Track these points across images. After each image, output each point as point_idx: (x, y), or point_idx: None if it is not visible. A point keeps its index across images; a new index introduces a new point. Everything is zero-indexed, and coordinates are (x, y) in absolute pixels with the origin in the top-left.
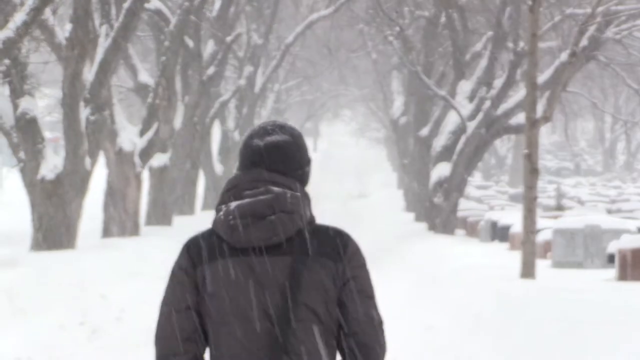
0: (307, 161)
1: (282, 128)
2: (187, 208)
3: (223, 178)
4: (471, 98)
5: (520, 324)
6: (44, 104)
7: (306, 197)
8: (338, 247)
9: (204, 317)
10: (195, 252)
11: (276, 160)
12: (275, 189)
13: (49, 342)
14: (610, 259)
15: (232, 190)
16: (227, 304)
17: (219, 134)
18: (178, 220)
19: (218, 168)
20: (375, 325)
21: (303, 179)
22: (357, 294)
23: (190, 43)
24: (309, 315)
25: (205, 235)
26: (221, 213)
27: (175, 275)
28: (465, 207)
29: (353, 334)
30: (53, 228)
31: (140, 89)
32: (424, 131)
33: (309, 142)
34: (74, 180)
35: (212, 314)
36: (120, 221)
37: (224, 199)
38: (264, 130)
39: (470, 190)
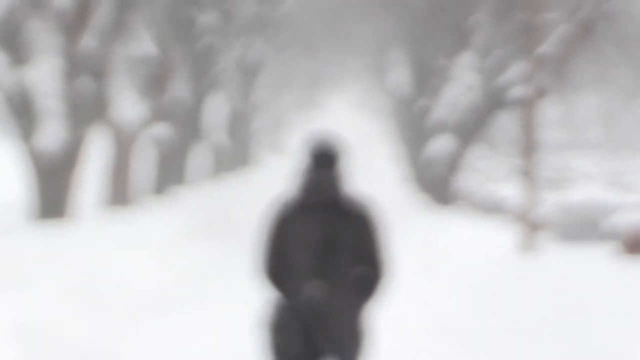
0: (343, 156)
1: (331, 140)
2: (184, 178)
3: (227, 149)
4: (472, 68)
5: (519, 296)
6: (42, 72)
7: (343, 177)
8: (362, 209)
9: (286, 248)
10: (283, 206)
11: (328, 157)
12: (330, 171)
13: (50, 309)
14: (611, 232)
15: (309, 171)
16: (297, 240)
17: (220, 103)
18: (175, 190)
19: (223, 139)
20: (380, 259)
21: (343, 166)
22: (371, 240)
23: (190, 11)
24: (341, 251)
25: (291, 196)
26: (301, 182)
27: (272, 222)
28: (466, 178)
29: (365, 262)
30: (50, 197)
31: (141, 58)
32: (424, 102)
33: (309, 113)
34: (71, 150)
35: (290, 246)
36: (118, 191)
37: (304, 175)
38: (322, 141)
39: (471, 160)
